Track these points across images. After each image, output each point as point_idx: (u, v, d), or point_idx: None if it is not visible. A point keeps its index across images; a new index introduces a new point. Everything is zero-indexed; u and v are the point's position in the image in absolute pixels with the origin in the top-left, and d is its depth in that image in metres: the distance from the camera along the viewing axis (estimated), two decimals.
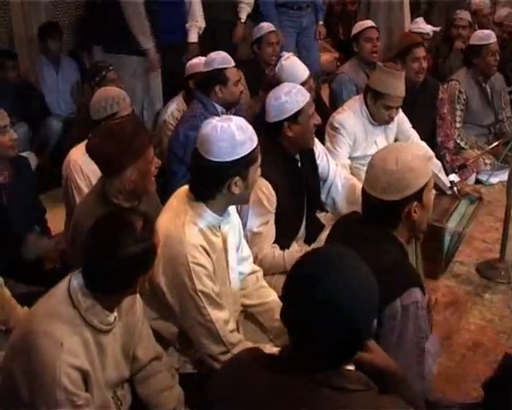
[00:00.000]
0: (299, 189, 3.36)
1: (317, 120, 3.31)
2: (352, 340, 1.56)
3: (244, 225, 3.07)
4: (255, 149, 2.48)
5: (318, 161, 3.55)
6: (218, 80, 4.09)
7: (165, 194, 3.00)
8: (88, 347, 2.12)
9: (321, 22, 6.45)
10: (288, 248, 3.31)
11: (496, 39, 5.30)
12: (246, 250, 2.91)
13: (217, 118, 2.52)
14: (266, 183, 3.07)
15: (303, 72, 4.45)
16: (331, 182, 3.58)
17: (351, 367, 1.62)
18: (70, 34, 6.45)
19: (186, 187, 2.61)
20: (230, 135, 2.41)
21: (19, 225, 3.38)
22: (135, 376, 2.45)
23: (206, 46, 5.27)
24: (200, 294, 2.45)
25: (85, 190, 3.37)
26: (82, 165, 3.41)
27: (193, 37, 5.68)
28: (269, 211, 3.16)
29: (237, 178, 2.46)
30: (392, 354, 1.91)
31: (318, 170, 3.55)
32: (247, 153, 2.44)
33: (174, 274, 2.44)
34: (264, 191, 3.11)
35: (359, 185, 3.40)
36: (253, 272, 2.93)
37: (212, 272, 2.52)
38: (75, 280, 2.13)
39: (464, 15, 6.35)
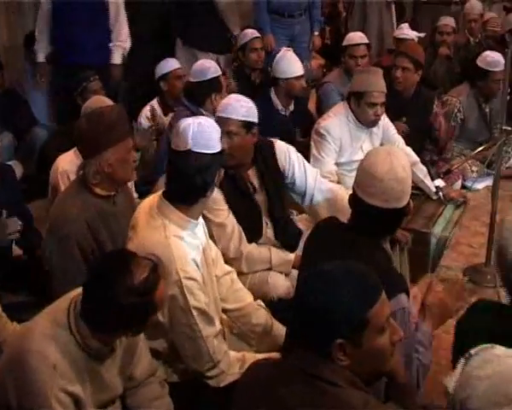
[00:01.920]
0: (243, 193, 3.28)
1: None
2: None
3: None
4: None
5: (295, 172, 3.45)
6: (213, 89, 4.14)
7: None
8: (81, 373, 2.11)
9: (316, 33, 6.48)
10: None
11: (503, 67, 5.22)
12: (215, 250, 2.88)
13: (189, 119, 2.56)
14: None
15: (298, 67, 4.60)
16: (311, 192, 3.51)
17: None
18: None
19: (150, 200, 2.61)
20: (215, 126, 2.53)
21: (1, 240, 3.34)
22: (126, 390, 2.44)
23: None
24: (193, 310, 2.44)
25: None
26: (69, 173, 3.41)
27: (116, 58, 5.26)
28: (221, 205, 3.16)
29: (222, 170, 2.57)
30: None
31: (293, 185, 3.48)
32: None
33: (166, 293, 2.39)
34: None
35: (342, 194, 3.42)
36: (226, 274, 2.90)
37: (202, 283, 2.52)
38: (76, 305, 2.11)
39: (448, 21, 6.34)
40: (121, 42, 5.23)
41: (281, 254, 3.36)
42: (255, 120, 3.16)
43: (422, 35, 6.11)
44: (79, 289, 2.15)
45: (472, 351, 1.59)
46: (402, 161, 2.38)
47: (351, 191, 3.80)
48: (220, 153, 2.52)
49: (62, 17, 5.07)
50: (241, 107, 3.15)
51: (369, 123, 4.13)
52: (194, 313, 2.45)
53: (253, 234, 3.32)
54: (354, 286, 1.65)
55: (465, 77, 5.52)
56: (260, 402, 1.69)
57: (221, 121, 3.03)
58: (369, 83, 4.01)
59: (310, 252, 2.54)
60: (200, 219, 2.69)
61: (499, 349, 1.56)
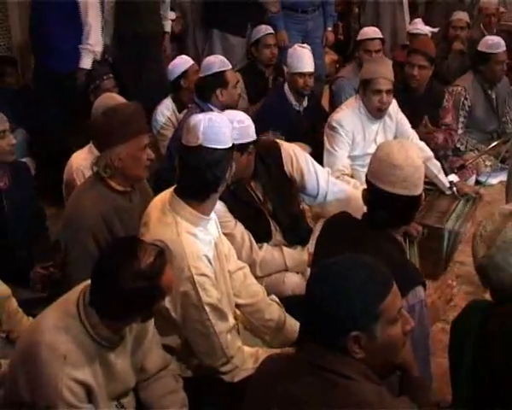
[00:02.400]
0: (247, 203, 3.28)
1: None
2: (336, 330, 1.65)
3: None
4: None
5: (304, 176, 3.41)
6: (218, 83, 4.13)
7: None
8: (92, 362, 2.12)
9: (329, 28, 6.47)
10: None
11: (504, 48, 5.24)
12: (227, 245, 2.88)
13: (199, 114, 2.55)
14: None
15: (308, 65, 4.61)
16: (324, 194, 3.49)
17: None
18: None
19: (162, 196, 2.62)
20: (226, 121, 2.54)
21: (19, 231, 3.40)
22: (139, 383, 2.45)
23: (130, 62, 5.21)
24: (206, 306, 2.45)
25: None
26: (84, 170, 3.43)
27: (85, 62, 4.88)
28: (227, 216, 3.15)
29: (234, 165, 2.56)
30: None
31: (305, 190, 3.46)
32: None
33: (178, 289, 2.42)
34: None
35: (356, 194, 3.40)
36: (239, 269, 2.91)
37: (215, 279, 2.52)
38: (85, 295, 2.14)
39: (462, 16, 6.33)
40: (90, 45, 4.85)
41: (294, 254, 3.35)
42: (251, 138, 3.09)
43: (436, 30, 6.09)
44: (88, 281, 2.17)
45: None
46: (415, 150, 2.47)
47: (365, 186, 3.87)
48: (231, 148, 2.52)
49: (36, 17, 4.95)
50: (233, 130, 3.07)
51: (375, 112, 4.12)
52: (207, 309, 2.46)
53: (263, 237, 3.34)
54: (366, 278, 1.66)
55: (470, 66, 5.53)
56: (272, 397, 1.69)
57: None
58: (375, 70, 4.04)
59: (322, 249, 2.55)
60: (213, 215, 2.69)
61: None
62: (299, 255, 3.34)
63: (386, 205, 2.33)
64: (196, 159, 2.47)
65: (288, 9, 6.20)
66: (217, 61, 4.20)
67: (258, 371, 1.87)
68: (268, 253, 3.29)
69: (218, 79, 4.13)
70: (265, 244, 3.32)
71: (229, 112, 3.15)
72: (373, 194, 2.39)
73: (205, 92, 4.17)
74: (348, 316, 1.62)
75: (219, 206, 2.98)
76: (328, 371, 1.63)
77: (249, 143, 3.08)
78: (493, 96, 5.43)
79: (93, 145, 3.39)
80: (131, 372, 2.34)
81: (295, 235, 3.44)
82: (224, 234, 3.02)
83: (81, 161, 3.49)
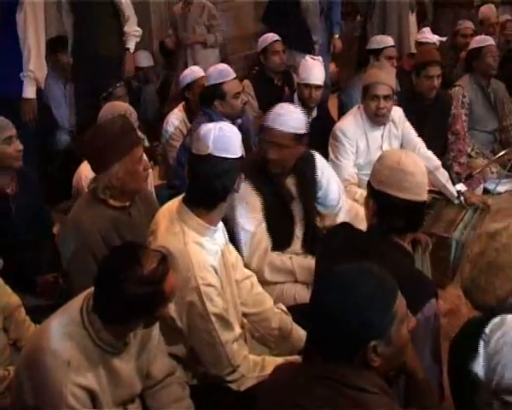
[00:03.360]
0: (282, 200, 3.33)
1: (272, 152, 3.23)
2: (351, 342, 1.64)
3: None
4: None
5: (329, 187, 3.53)
6: (216, 95, 4.14)
7: None
8: (96, 367, 2.13)
9: (336, 36, 6.52)
10: None
11: (493, 42, 5.42)
12: (234, 253, 2.88)
13: (210, 124, 2.57)
14: (248, 186, 3.12)
15: (316, 77, 4.60)
16: (337, 210, 3.60)
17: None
18: None
19: (170, 205, 2.62)
20: (236, 131, 2.54)
21: (25, 236, 3.41)
22: (146, 390, 2.45)
23: (88, 86, 5.04)
24: (211, 316, 2.46)
25: None
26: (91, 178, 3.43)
27: (28, 91, 4.43)
28: (256, 211, 3.20)
29: (242, 174, 2.57)
30: None
31: (316, 188, 3.50)
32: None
33: (184, 299, 2.44)
34: (250, 191, 3.18)
35: (361, 211, 3.45)
36: (246, 278, 2.91)
37: (221, 288, 2.52)
38: (89, 301, 2.14)
39: (468, 25, 6.44)
40: (30, 71, 4.38)
41: (304, 263, 3.34)
42: (305, 130, 3.22)
43: (444, 39, 6.11)
44: (92, 288, 2.17)
45: (486, 331, 1.59)
46: (417, 157, 2.48)
47: None
48: (240, 158, 2.52)
49: None
50: (294, 120, 3.19)
51: (373, 117, 4.11)
52: (213, 319, 2.46)
53: (282, 243, 3.35)
54: (376, 283, 1.66)
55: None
56: (284, 409, 1.69)
57: (272, 132, 3.15)
58: (374, 76, 4.05)
59: (324, 259, 2.52)
60: (220, 224, 2.70)
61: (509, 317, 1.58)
62: (306, 262, 3.32)
63: (398, 212, 2.30)
64: (205, 168, 2.48)
65: None
66: (214, 74, 4.21)
67: (268, 383, 1.87)
68: (278, 259, 3.28)
69: (216, 90, 4.15)
70: (276, 253, 3.32)
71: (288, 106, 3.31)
72: (383, 202, 2.35)
73: (205, 102, 4.21)
74: (365, 326, 1.62)
75: (254, 200, 3.16)
76: (342, 383, 1.63)
77: (304, 134, 3.21)
78: (491, 94, 5.48)
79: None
80: (136, 378, 2.34)
81: (312, 244, 3.44)
82: (245, 231, 3.14)
83: (90, 170, 3.49)
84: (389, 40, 5.50)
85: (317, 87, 4.66)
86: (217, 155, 2.46)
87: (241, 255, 3.06)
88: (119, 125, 2.81)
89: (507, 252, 1.97)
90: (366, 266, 1.72)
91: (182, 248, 2.45)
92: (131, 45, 5.35)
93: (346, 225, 2.55)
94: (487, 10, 6.85)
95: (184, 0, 6.30)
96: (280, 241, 3.34)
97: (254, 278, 2.96)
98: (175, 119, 4.75)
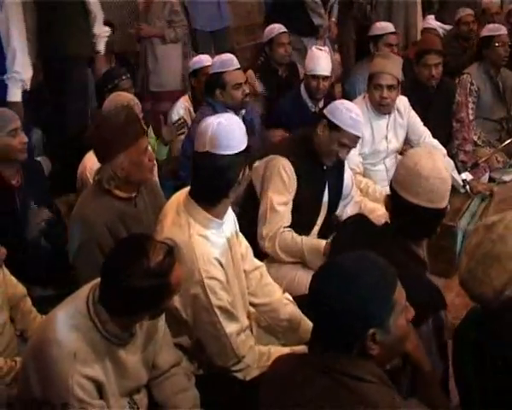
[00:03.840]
0: (318, 189, 3.41)
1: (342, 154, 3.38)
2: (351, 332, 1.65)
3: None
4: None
5: (346, 180, 3.60)
6: (217, 84, 4.15)
7: None
8: (102, 358, 2.14)
9: (333, 19, 6.46)
10: None
11: (506, 31, 5.30)
12: (244, 244, 2.88)
13: (210, 118, 2.54)
14: (290, 165, 3.15)
15: (323, 68, 4.59)
16: (349, 200, 3.66)
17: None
18: None
19: (178, 196, 2.62)
20: (237, 125, 2.50)
21: (31, 229, 3.41)
22: (152, 380, 2.47)
23: (55, 90, 4.98)
24: (215, 309, 2.46)
25: None
26: (95, 168, 3.44)
27: (13, 94, 4.27)
28: (289, 192, 3.25)
29: (247, 168, 2.56)
30: None
31: (343, 183, 3.58)
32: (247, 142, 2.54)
33: (188, 292, 2.44)
34: (287, 171, 3.21)
35: (369, 204, 3.57)
36: (255, 269, 2.91)
37: (226, 282, 2.53)
38: (95, 292, 2.15)
39: (469, 11, 6.39)
40: (16, 72, 4.22)
41: (313, 242, 3.36)
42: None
43: (448, 27, 6.07)
44: (97, 279, 2.19)
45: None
46: (443, 161, 2.37)
47: (377, 189, 3.89)
48: (243, 151, 2.49)
49: None
50: (350, 119, 3.26)
51: (376, 107, 4.12)
52: (217, 311, 2.47)
53: (304, 229, 3.39)
54: (377, 273, 1.67)
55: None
56: (286, 401, 1.70)
57: (348, 136, 3.28)
58: (380, 65, 4.06)
59: (337, 250, 2.50)
60: (231, 215, 2.72)
61: None
62: (317, 245, 3.31)
63: (409, 215, 2.26)
64: (205, 165, 2.48)
65: None
66: (217, 62, 4.22)
67: (270, 374, 1.88)
68: (289, 237, 3.30)
69: (217, 79, 4.15)
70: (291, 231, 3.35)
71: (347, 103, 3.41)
72: (396, 202, 2.31)
73: (208, 90, 4.22)
74: (365, 315, 1.63)
75: (293, 182, 3.25)
76: (342, 373, 1.63)
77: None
78: (499, 83, 5.42)
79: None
80: (143, 369, 2.35)
81: (326, 231, 3.50)
82: (270, 206, 3.22)
83: (94, 161, 3.48)
84: (389, 27, 5.41)
85: (325, 78, 4.65)
86: (214, 152, 2.44)
87: (258, 231, 3.20)
88: (124, 115, 2.82)
89: (503, 243, 1.94)
90: (366, 256, 1.72)
91: (186, 240, 2.45)
92: (102, 47, 5.19)
93: (359, 218, 2.53)
94: (489, 0, 6.81)
95: None
96: (302, 226, 3.38)
97: (264, 269, 2.97)
98: (180, 108, 4.75)
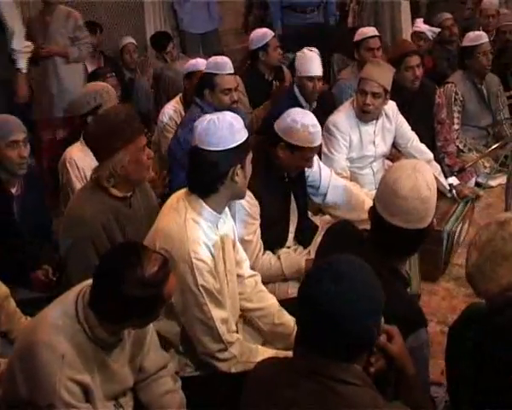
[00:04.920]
0: (283, 201, 3.40)
1: (309, 165, 3.40)
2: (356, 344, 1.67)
3: None
4: (248, 138, 2.59)
5: (308, 171, 3.55)
6: (206, 84, 4.14)
7: (165, 198, 3.03)
8: (90, 362, 2.13)
9: None
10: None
11: (487, 40, 5.35)
12: (241, 253, 2.92)
13: (207, 115, 2.59)
14: (249, 192, 3.03)
15: (317, 68, 4.57)
16: (325, 188, 3.60)
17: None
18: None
19: (178, 193, 2.65)
20: (228, 123, 2.51)
21: (26, 235, 3.39)
22: (138, 383, 2.46)
23: None
24: (201, 289, 2.48)
25: (78, 184, 3.46)
26: (77, 160, 3.52)
27: (22, 63, 4.49)
28: (255, 219, 3.21)
29: (239, 166, 2.53)
30: None
31: (307, 179, 3.55)
32: (244, 140, 2.54)
33: (176, 272, 2.43)
34: (248, 200, 3.14)
35: (357, 191, 3.47)
36: (251, 276, 2.94)
37: (214, 269, 2.54)
38: (84, 296, 2.14)
39: (447, 15, 6.46)
40: (22, 48, 4.44)
41: (292, 261, 3.37)
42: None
43: (437, 30, 6.08)
44: (87, 281, 2.18)
45: None
46: (427, 178, 2.16)
47: (364, 189, 3.89)
48: (235, 149, 2.51)
49: None
50: (309, 134, 3.25)
51: (359, 112, 4.12)
52: (203, 292, 2.49)
53: (278, 242, 3.42)
54: (369, 279, 1.69)
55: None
56: (270, 403, 1.70)
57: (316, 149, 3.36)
58: (368, 71, 4.06)
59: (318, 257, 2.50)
60: (229, 221, 2.79)
61: None
62: (296, 262, 3.34)
63: (387, 233, 2.16)
64: (194, 159, 2.56)
65: (288, 9, 6.35)
66: (211, 63, 4.21)
67: (253, 376, 1.87)
68: (266, 261, 3.31)
69: (207, 79, 4.14)
70: (267, 253, 3.35)
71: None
72: (376, 218, 2.20)
73: (198, 89, 4.22)
74: (359, 327, 1.64)
75: (254, 205, 3.18)
76: (327, 377, 1.63)
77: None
78: (484, 91, 5.48)
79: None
80: (129, 373, 2.34)
81: (303, 236, 3.51)
82: (244, 241, 3.13)
83: (74, 153, 3.58)
84: (370, 31, 5.39)
85: (319, 78, 4.66)
86: (202, 147, 2.51)
87: None
88: (124, 113, 2.83)
89: None
90: (357, 261, 1.73)
91: (181, 222, 2.50)
92: (23, 64, 4.73)
93: (346, 225, 2.48)
94: (487, 1, 6.83)
95: (44, 2, 5.33)
96: (277, 239, 3.41)
97: (259, 278, 2.99)
98: (171, 109, 4.74)
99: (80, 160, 3.49)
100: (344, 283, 1.64)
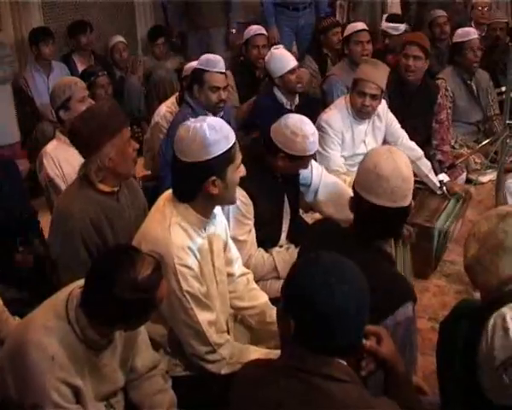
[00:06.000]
0: (277, 201, 3.38)
1: (305, 168, 3.39)
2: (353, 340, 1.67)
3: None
4: (231, 148, 2.45)
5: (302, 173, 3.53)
6: (195, 80, 4.13)
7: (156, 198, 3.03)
8: (80, 363, 2.13)
9: None
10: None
11: (476, 36, 5.37)
12: (234, 252, 2.90)
13: (192, 119, 2.52)
14: (243, 192, 3.06)
15: (290, 61, 4.59)
16: (316, 186, 3.57)
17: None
18: (62, 39, 6.45)
19: (168, 192, 2.63)
20: (201, 135, 2.40)
21: (8, 228, 3.35)
22: (129, 383, 2.46)
23: None
24: (186, 294, 2.47)
25: (56, 179, 3.50)
26: (53, 155, 3.54)
27: None
28: (249, 219, 3.20)
29: (214, 177, 2.44)
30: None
31: (299, 177, 3.53)
32: (220, 152, 2.42)
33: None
34: (242, 200, 3.12)
35: (347, 190, 3.46)
36: (243, 274, 2.94)
37: (199, 273, 2.53)
38: (75, 297, 2.14)
39: (440, 13, 6.43)
40: None
41: (285, 257, 3.36)
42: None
43: (403, 26, 6.05)
44: (78, 282, 2.18)
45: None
46: (404, 159, 2.35)
47: None
48: (208, 161, 2.41)
49: None
50: (309, 144, 3.23)
51: (357, 112, 4.12)
52: (188, 297, 2.48)
53: (272, 241, 3.41)
54: (357, 276, 1.67)
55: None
56: (253, 403, 1.69)
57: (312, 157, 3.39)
58: (366, 72, 4.04)
59: (300, 254, 2.51)
60: (222, 222, 2.76)
61: None
62: (289, 259, 3.31)
63: (374, 217, 2.26)
64: (172, 165, 2.53)
65: (280, 6, 6.36)
66: (202, 59, 4.18)
67: (240, 378, 1.86)
68: (259, 258, 3.31)
69: (196, 75, 4.13)
70: (259, 250, 3.34)
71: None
72: (360, 205, 2.31)
73: (188, 85, 4.22)
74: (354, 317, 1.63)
75: (249, 205, 3.16)
76: (309, 373, 1.62)
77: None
78: (473, 87, 5.51)
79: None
80: (120, 373, 2.35)
81: (295, 234, 3.49)
82: (238, 241, 3.10)
83: (50, 149, 3.59)
84: (358, 25, 5.43)
85: (296, 68, 4.64)
86: (177, 155, 2.47)
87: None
88: (108, 106, 2.85)
89: None
90: (342, 259, 1.72)
91: (166, 226, 2.47)
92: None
93: (328, 223, 2.52)
94: None
95: None
96: (270, 238, 3.40)
97: (251, 276, 2.99)
98: (165, 109, 4.72)
99: (55, 154, 3.52)
100: (336, 279, 1.62)
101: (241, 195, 3.05)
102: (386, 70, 4.12)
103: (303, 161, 3.27)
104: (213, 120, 2.50)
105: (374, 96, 4.02)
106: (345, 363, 1.68)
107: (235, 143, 2.48)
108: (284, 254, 3.36)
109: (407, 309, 2.12)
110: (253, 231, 3.26)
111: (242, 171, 2.56)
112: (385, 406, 1.68)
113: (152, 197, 3.19)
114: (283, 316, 1.68)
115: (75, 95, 3.60)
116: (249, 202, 3.19)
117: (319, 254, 1.72)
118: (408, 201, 2.29)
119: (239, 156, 2.52)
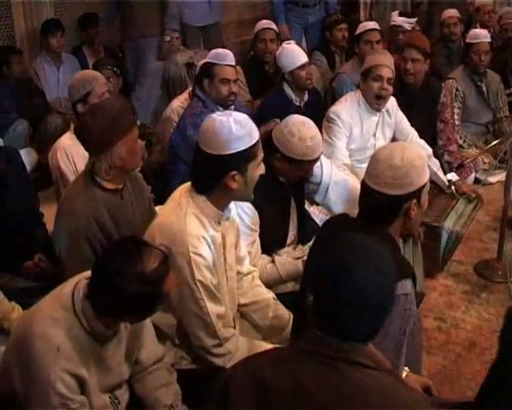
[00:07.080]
0: (283, 204, 3.33)
1: (308, 175, 3.33)
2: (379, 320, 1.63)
3: None
4: (254, 145, 2.46)
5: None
6: (205, 74, 4.11)
7: (165, 191, 3.03)
8: (85, 354, 2.13)
9: None
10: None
11: (486, 39, 5.31)
12: (243, 250, 2.90)
13: (218, 113, 2.54)
14: (248, 203, 3.00)
15: (301, 57, 4.57)
16: (326, 185, 3.57)
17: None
18: (73, 32, 6.46)
19: (185, 184, 2.63)
20: (228, 129, 2.41)
21: (12, 217, 3.35)
22: (134, 375, 2.46)
23: None
24: (198, 284, 2.46)
25: (68, 173, 3.49)
26: (67, 150, 3.52)
27: None
28: (253, 230, 3.14)
29: (234, 172, 2.44)
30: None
31: (304, 184, 3.51)
32: (244, 148, 2.42)
33: (174, 264, 2.41)
34: (247, 211, 3.08)
35: (357, 186, 3.44)
36: (249, 273, 2.94)
37: (212, 265, 2.53)
38: (81, 288, 2.14)
39: (452, 13, 6.38)
40: None
41: (289, 266, 3.27)
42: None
43: (413, 20, 6.03)
44: (84, 273, 2.18)
45: None
46: (415, 149, 2.36)
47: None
48: (230, 155, 2.42)
49: None
50: (306, 149, 3.13)
51: (374, 99, 4.11)
52: (200, 287, 2.47)
53: (278, 243, 3.37)
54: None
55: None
56: (267, 383, 1.63)
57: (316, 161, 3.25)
58: (377, 59, 4.08)
59: (316, 249, 2.48)
60: (234, 222, 2.76)
61: None
62: (293, 266, 3.26)
63: (387, 206, 2.25)
64: (195, 156, 2.53)
65: (290, 3, 6.38)
66: (212, 53, 4.18)
67: (243, 363, 1.81)
68: (262, 270, 3.21)
69: (206, 69, 4.12)
70: (263, 257, 3.29)
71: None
72: (371, 197, 2.28)
73: (198, 79, 4.20)
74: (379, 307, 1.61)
75: (253, 216, 3.09)
76: (333, 358, 1.57)
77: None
78: (484, 88, 5.47)
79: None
80: (125, 365, 2.35)
81: (304, 233, 3.46)
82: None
83: (64, 141, 3.59)
84: (369, 25, 5.46)
85: (309, 64, 4.66)
86: (201, 147, 2.46)
87: None
88: (119, 103, 2.81)
89: None
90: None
91: (181, 216, 2.47)
92: None
93: (341, 218, 2.50)
94: None
95: None
96: (277, 241, 3.36)
97: (256, 273, 2.99)
98: (177, 104, 4.72)
99: (69, 147, 3.50)
100: (358, 262, 1.60)
101: (245, 205, 3.03)
102: (392, 58, 4.16)
103: (301, 165, 3.14)
104: (239, 116, 2.50)
105: (390, 80, 4.04)
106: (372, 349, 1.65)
107: (258, 141, 2.48)
108: (287, 262, 3.31)
109: (405, 285, 2.11)
110: (258, 241, 3.20)
111: (262, 169, 2.56)
112: (416, 395, 1.65)
113: (162, 190, 3.19)
114: (303, 291, 1.66)
115: (95, 90, 3.59)
116: (254, 212, 3.12)
117: (348, 234, 1.72)
118: (417, 185, 2.25)
119: (261, 154, 2.52)
